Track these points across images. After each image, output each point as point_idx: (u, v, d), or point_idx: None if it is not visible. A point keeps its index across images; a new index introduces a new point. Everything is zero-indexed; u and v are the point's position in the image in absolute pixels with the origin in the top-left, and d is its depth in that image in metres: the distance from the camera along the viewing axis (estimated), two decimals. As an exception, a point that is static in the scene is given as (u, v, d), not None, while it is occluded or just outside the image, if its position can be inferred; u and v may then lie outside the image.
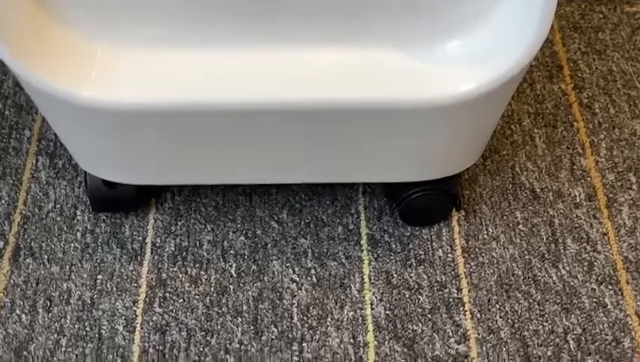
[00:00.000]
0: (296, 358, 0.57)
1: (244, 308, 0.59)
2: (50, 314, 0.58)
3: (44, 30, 0.48)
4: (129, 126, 0.50)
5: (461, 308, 0.59)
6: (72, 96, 0.47)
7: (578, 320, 0.58)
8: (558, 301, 0.59)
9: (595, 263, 0.61)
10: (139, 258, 0.61)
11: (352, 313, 0.58)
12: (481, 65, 0.48)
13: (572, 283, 0.60)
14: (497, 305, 0.59)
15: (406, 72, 0.49)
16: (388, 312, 0.59)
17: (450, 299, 0.59)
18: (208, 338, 0.57)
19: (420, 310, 0.59)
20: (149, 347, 0.57)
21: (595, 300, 0.59)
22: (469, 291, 0.60)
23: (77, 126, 0.52)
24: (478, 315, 0.58)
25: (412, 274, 0.60)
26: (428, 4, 0.49)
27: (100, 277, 0.60)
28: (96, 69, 0.48)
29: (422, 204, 0.60)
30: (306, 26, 0.49)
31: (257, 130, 0.51)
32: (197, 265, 0.61)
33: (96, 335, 0.57)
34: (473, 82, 0.49)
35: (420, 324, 0.58)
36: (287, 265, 0.61)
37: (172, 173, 0.56)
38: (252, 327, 0.58)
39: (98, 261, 0.61)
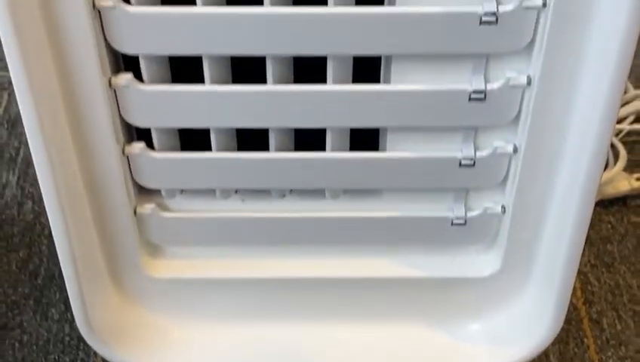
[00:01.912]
0: None
1: None
2: None
3: (123, 310, 0.57)
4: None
5: None
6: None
7: None
8: None
9: None
10: None
11: None
12: (503, 347, 0.56)
13: None
14: None
15: (428, 350, 0.57)
16: None
17: None
18: None
19: None
20: None
21: None
22: None
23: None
24: None
25: None
26: (451, 288, 0.57)
27: None
28: (173, 348, 0.57)
29: None
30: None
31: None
32: None
33: None
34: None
35: None
36: None
37: None
38: None
39: None
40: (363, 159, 0.51)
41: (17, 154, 0.91)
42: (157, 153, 0.51)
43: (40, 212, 0.84)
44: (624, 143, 0.87)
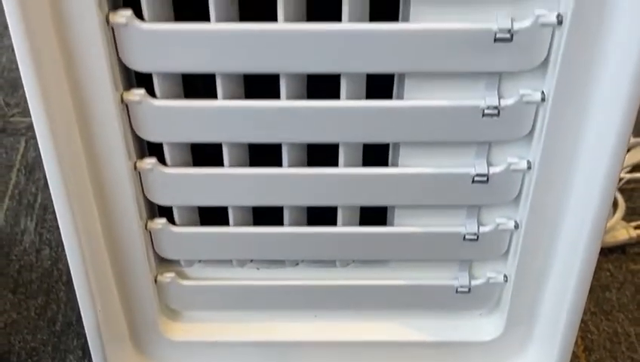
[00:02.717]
0: None
1: None
2: None
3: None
4: None
5: None
6: None
7: None
8: None
9: None
10: None
11: None
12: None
13: None
14: None
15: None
16: None
17: None
18: None
19: None
20: None
21: None
22: None
23: None
24: None
25: None
26: (455, 352, 0.60)
27: None
28: None
29: None
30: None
31: None
32: None
33: None
34: None
35: None
36: None
37: None
38: None
39: None
40: (371, 233, 0.54)
41: (35, 200, 0.93)
42: (177, 228, 0.53)
43: (57, 258, 0.87)
44: (622, 191, 0.90)
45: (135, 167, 0.50)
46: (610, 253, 0.88)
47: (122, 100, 0.46)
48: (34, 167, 0.98)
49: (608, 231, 0.86)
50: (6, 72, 1.09)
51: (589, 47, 0.43)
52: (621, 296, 0.86)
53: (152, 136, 0.48)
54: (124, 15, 0.43)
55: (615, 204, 0.87)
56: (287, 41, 0.43)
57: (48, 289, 0.86)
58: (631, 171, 0.92)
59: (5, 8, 0.40)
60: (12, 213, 0.93)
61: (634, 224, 0.88)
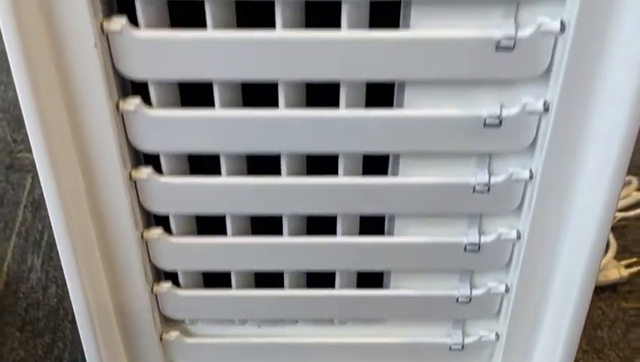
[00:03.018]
0: None
1: None
2: None
3: None
4: None
5: None
6: None
7: None
8: None
9: None
10: None
11: None
12: None
13: None
14: None
15: None
16: None
17: None
18: None
19: None
20: None
21: None
22: None
23: None
24: None
25: None
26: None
27: None
28: None
29: None
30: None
31: None
32: None
33: None
34: None
35: None
36: None
37: None
38: None
39: None
40: (368, 296, 0.56)
41: (41, 237, 0.96)
42: (182, 291, 0.56)
43: (63, 296, 0.89)
44: (614, 229, 0.92)
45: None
46: (601, 292, 0.90)
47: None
48: (40, 203, 1.00)
49: (600, 271, 0.89)
50: (12, 107, 1.11)
51: (592, 55, 0.43)
52: (612, 335, 0.88)
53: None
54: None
55: (607, 244, 0.89)
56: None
57: (55, 327, 0.88)
58: (622, 210, 0.94)
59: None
60: (19, 250, 0.96)
61: (624, 263, 0.90)
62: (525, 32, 0.42)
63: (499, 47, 0.42)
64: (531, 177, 0.48)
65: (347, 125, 0.46)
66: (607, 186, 0.47)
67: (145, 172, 0.49)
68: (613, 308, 0.90)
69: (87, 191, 0.49)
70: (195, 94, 0.47)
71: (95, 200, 0.49)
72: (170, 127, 0.47)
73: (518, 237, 0.52)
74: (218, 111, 0.46)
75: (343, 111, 0.46)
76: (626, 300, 0.91)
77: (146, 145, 0.48)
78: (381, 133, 0.46)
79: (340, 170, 0.49)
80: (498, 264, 0.54)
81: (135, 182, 0.50)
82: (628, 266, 0.90)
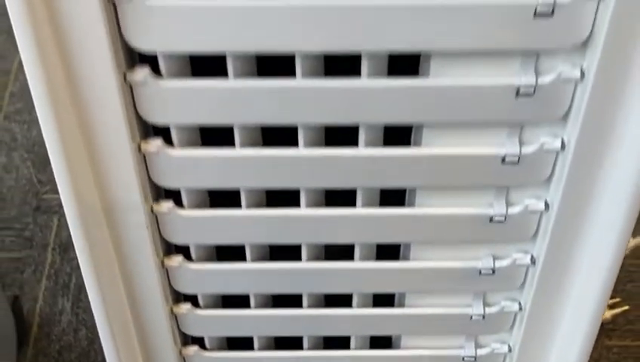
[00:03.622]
0: None
1: None
2: None
3: None
4: None
5: None
6: None
7: None
8: None
9: None
10: None
11: None
12: None
13: None
14: None
15: None
16: None
17: None
18: None
19: None
20: None
21: None
22: None
23: None
24: None
25: None
26: None
27: None
28: None
29: None
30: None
31: None
32: None
33: None
34: None
35: None
36: None
37: None
38: None
39: None
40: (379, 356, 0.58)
41: (70, 280, 0.97)
42: (208, 352, 0.58)
43: (93, 338, 0.90)
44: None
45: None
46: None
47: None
48: (68, 246, 1.01)
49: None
50: (37, 146, 1.12)
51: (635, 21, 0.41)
52: (595, 374, 0.87)
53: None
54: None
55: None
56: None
57: (87, 368, 0.89)
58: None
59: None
60: (50, 293, 0.97)
61: (609, 302, 0.89)
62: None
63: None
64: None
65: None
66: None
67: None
68: (597, 345, 0.88)
69: (111, 232, 0.50)
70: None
71: (117, 238, 0.50)
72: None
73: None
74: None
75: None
76: (610, 338, 0.89)
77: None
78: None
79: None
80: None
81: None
82: (611, 307, 0.89)
